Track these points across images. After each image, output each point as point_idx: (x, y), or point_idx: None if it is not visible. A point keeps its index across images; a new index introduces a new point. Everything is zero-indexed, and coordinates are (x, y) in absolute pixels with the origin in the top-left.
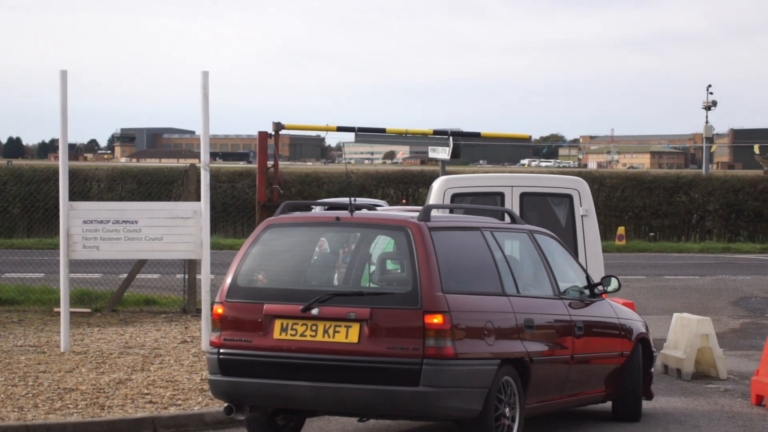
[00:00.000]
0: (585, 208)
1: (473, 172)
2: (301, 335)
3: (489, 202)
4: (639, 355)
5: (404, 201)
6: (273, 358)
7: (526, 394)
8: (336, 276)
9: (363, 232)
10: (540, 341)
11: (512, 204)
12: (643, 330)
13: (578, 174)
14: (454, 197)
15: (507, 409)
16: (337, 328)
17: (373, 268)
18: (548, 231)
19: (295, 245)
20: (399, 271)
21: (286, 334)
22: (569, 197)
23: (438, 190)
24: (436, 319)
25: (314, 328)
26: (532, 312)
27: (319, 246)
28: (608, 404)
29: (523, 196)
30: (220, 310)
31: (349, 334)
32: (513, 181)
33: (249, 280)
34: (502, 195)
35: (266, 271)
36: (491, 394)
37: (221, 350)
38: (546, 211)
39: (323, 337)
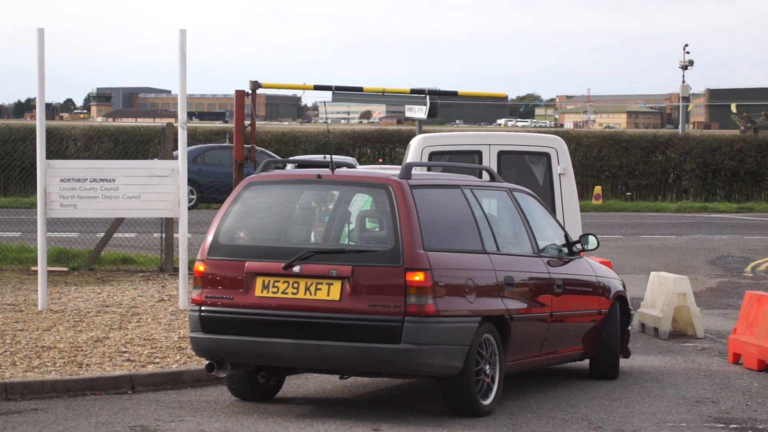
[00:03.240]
0: (563, 166)
1: (450, 132)
2: (283, 293)
3: (467, 160)
4: (617, 313)
5: (381, 160)
6: (254, 315)
7: (505, 352)
8: (318, 233)
9: (344, 190)
10: (519, 299)
11: (490, 162)
12: (621, 288)
13: (555, 133)
14: (432, 155)
15: (487, 367)
16: (319, 286)
17: (354, 225)
18: (527, 189)
19: (277, 203)
20: (380, 228)
21: (268, 292)
22: (547, 155)
23: (416, 149)
24: (418, 277)
25: (296, 285)
26: (511, 270)
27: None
28: (585, 362)
29: (500, 154)
30: (201, 268)
31: (330, 292)
32: (491, 140)
33: (230, 237)
34: (479, 153)
35: (248, 229)
36: (472, 352)
37: (202, 308)
38: (524, 170)
39: (305, 294)
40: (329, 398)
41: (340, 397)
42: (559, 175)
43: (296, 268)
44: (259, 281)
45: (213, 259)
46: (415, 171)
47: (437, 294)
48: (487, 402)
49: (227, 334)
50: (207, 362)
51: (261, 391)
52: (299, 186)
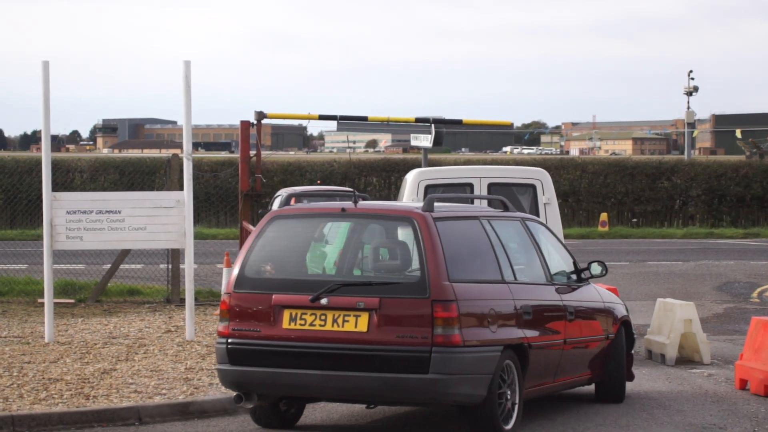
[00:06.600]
0: (547, 196)
1: (455, 160)
2: (311, 325)
3: (459, 192)
4: (623, 337)
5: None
6: (282, 347)
7: (524, 379)
8: (344, 266)
9: (369, 223)
10: (536, 327)
11: (481, 193)
12: (625, 313)
13: (560, 161)
14: (428, 188)
15: (508, 393)
16: (347, 318)
17: (380, 258)
18: (537, 218)
19: (301, 236)
20: (406, 261)
21: (296, 324)
22: (533, 187)
23: (412, 182)
24: (444, 308)
25: (323, 317)
26: (528, 298)
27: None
28: (591, 386)
29: (490, 186)
30: (228, 301)
31: (358, 323)
32: (481, 173)
33: (256, 270)
34: (471, 185)
35: (273, 262)
36: (495, 380)
37: (230, 340)
38: (512, 200)
39: (332, 326)
40: (349, 425)
41: (361, 424)
42: (544, 204)
43: (324, 301)
44: (286, 314)
45: (240, 292)
46: (436, 204)
47: (463, 324)
48: (509, 427)
49: (255, 365)
50: (235, 394)
51: (284, 419)
52: (323, 219)
